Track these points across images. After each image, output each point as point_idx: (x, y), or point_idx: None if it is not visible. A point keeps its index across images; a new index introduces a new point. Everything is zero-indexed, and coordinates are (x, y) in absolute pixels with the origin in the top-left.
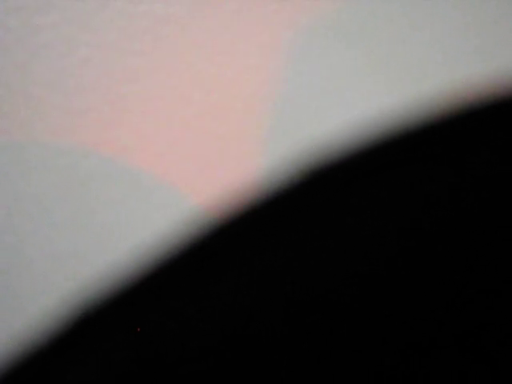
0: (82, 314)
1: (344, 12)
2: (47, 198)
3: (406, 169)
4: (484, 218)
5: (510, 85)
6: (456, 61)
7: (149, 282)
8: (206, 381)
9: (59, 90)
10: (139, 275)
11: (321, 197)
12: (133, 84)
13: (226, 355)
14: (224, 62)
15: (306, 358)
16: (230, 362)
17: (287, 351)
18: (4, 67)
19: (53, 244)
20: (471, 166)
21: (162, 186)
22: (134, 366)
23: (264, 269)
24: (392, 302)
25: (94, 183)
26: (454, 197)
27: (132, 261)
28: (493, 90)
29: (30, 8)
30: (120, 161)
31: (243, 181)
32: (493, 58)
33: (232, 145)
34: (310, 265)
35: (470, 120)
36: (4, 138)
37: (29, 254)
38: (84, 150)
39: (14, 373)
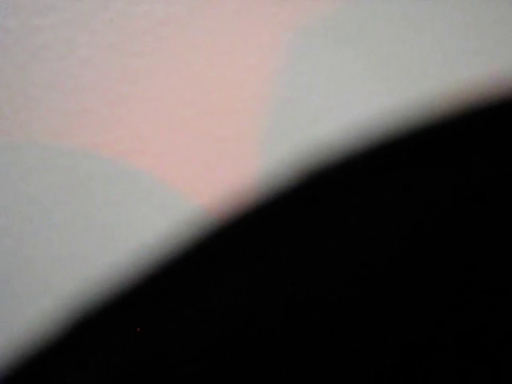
0: (82, 315)
1: (344, 12)
2: (47, 199)
3: (407, 170)
4: (485, 219)
5: (510, 85)
6: (456, 61)
7: (149, 282)
8: (206, 382)
9: (59, 91)
10: (139, 276)
11: (321, 198)
12: (133, 85)
13: (225, 356)
14: (224, 63)
15: (306, 359)
16: (229, 362)
17: (287, 352)
18: (3, 68)
19: (52, 245)
20: (472, 167)
21: (161, 187)
22: (133, 368)
23: (264, 270)
24: (392, 302)
25: (93, 184)
26: (455, 197)
27: (132, 262)
28: (493, 90)
29: (29, 9)
30: (120, 162)
31: (243, 182)
32: (493, 58)
33: (232, 146)
34: (310, 266)
35: (470, 120)
36: (3, 139)
37: (28, 255)
38: (84, 151)
39: (13, 375)
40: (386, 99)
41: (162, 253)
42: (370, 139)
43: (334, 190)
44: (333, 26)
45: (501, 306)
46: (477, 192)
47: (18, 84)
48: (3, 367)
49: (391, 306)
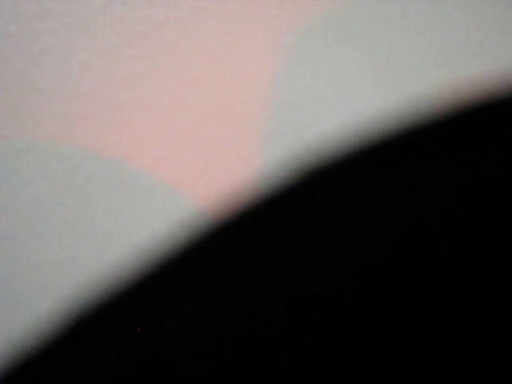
0: (81, 315)
1: (343, 13)
2: (47, 202)
3: (406, 168)
4: (485, 216)
5: (510, 85)
6: (456, 61)
7: (148, 282)
8: (205, 380)
9: (59, 96)
10: (139, 276)
11: (320, 197)
12: (132, 89)
13: (224, 354)
14: (223, 66)
15: (305, 357)
16: (228, 361)
17: (286, 350)
18: (3, 73)
19: (53, 247)
20: (471, 165)
21: (161, 189)
22: (132, 367)
23: (263, 269)
24: (394, 298)
25: (93, 188)
26: (454, 196)
27: (132, 263)
28: (493, 89)
29: (29, 14)
30: (120, 165)
31: (242, 182)
32: (493, 57)
33: (231, 146)
34: (308, 264)
35: (469, 119)
36: (4, 144)
37: (29, 257)
38: (84, 154)
39: (13, 375)
40: (386, 99)
41: (162, 253)
42: (369, 139)
43: (333, 189)
44: (332, 26)
45: (503, 302)
46: (476, 190)
47: (17, 88)
48: (3, 367)
49: (392, 303)
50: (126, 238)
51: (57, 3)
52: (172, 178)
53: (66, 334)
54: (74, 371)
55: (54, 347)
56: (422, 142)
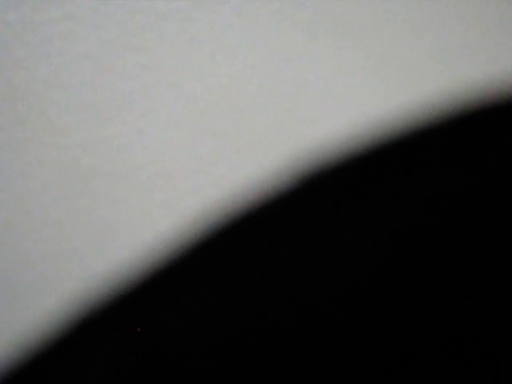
0: (83, 314)
1: (344, 12)
2: (47, 195)
3: (406, 169)
4: (483, 219)
5: (510, 85)
6: (456, 61)
7: (150, 280)
8: (208, 379)
9: (59, 86)
10: (140, 274)
11: (322, 198)
12: (134, 80)
13: (227, 353)
14: (225, 59)
15: (307, 355)
16: (230, 359)
17: (289, 348)
18: (3, 63)
19: (52, 243)
20: (472, 166)
21: (162, 184)
22: (135, 365)
23: (263, 268)
24: (395, 298)
25: (93, 181)
26: (454, 198)
27: (134, 259)
28: (493, 90)
29: (29, 3)
30: (120, 158)
31: (243, 181)
32: (494, 57)
33: (232, 145)
34: (310, 264)
35: (470, 121)
36: (2, 135)
37: (28, 252)
38: (84, 147)
39: (14, 374)
40: (386, 100)
41: (164, 250)
42: (370, 140)
43: (334, 189)
44: (333, 26)
45: (501, 305)
46: (476, 191)
47: (17, 79)
48: (5, 365)
49: (393, 302)
50: (128, 233)
51: None
52: (173, 173)
53: (68, 332)
54: (75, 370)
55: (56, 346)
56: (422, 143)
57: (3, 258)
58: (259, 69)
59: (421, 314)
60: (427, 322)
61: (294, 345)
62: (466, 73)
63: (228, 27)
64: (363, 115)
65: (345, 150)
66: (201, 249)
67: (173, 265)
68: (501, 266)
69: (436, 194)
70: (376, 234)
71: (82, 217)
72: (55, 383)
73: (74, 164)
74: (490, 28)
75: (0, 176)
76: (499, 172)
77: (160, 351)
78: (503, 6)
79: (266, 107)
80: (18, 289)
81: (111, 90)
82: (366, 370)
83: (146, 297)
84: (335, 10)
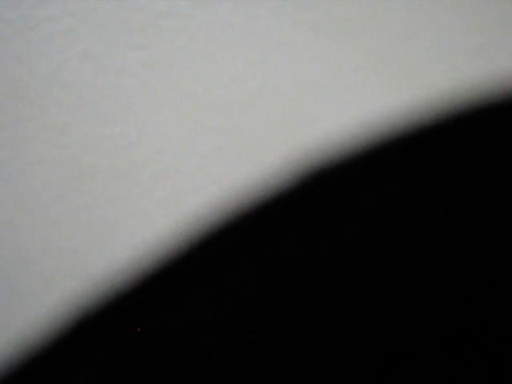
0: (82, 313)
1: (344, 11)
2: (46, 193)
3: (406, 168)
4: (484, 218)
5: (510, 85)
6: (456, 61)
7: (150, 280)
8: (207, 379)
9: (58, 84)
10: (140, 273)
11: (322, 196)
12: (134, 79)
13: (226, 353)
14: (225, 58)
15: (307, 355)
16: (230, 360)
17: (288, 349)
18: (3, 60)
19: (52, 242)
20: (472, 165)
21: (162, 183)
22: (134, 366)
23: (264, 267)
24: (393, 299)
25: (93, 179)
26: (454, 197)
27: (134, 258)
28: (493, 89)
29: (29, 1)
30: (120, 156)
31: (243, 180)
32: (494, 57)
33: (232, 144)
34: (311, 262)
35: (470, 120)
36: (2, 133)
37: (28, 251)
38: (84, 145)
39: (13, 374)
40: (387, 99)
41: (163, 250)
42: (370, 138)
43: (335, 187)
44: (334, 25)
45: (501, 305)
46: (475, 190)
47: (16, 76)
48: (4, 365)
49: (394, 300)
50: (127, 232)
51: None
52: (172, 172)
53: (67, 332)
54: (75, 369)
55: (55, 346)
56: (422, 142)
57: (2, 257)
58: (259, 68)
59: (421, 311)
60: (427, 320)
61: (294, 344)
62: (467, 72)
63: (228, 26)
64: (363, 114)
65: (345, 149)
66: (201, 248)
67: (173, 264)
68: (501, 264)
69: (436, 192)
70: (376, 232)
71: (81, 215)
72: (54, 383)
73: (73, 162)
74: (490, 28)
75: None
76: (499, 171)
77: (160, 351)
78: (503, 6)
79: (266, 106)
80: (17, 288)
81: (111, 88)
82: (365, 369)
83: (146, 297)
84: (335, 9)
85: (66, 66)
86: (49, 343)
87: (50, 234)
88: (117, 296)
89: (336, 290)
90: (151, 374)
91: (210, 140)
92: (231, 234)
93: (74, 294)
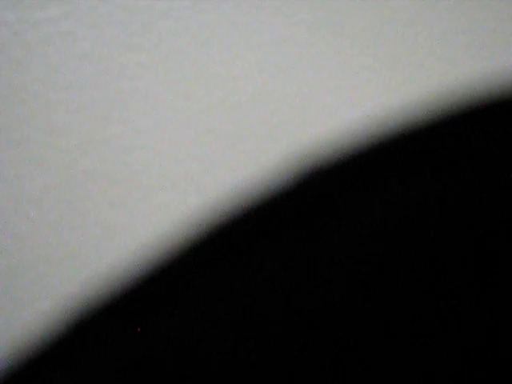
0: (82, 315)
1: (344, 11)
2: (45, 197)
3: (406, 168)
4: (484, 219)
5: (510, 85)
6: (456, 60)
7: (149, 280)
8: (208, 378)
9: (58, 86)
10: (140, 275)
11: (321, 196)
12: (133, 80)
13: (225, 354)
14: (225, 59)
15: (305, 356)
16: (229, 360)
17: (288, 349)
18: (1, 62)
19: (52, 243)
20: (470, 166)
21: (161, 185)
22: (135, 365)
23: (264, 267)
24: (393, 300)
25: (92, 182)
26: (453, 197)
27: (133, 261)
28: (493, 89)
29: (27, 2)
30: (119, 159)
31: (243, 181)
32: (494, 57)
33: (231, 144)
34: (309, 263)
35: (470, 120)
36: (1, 135)
37: (27, 254)
38: (83, 147)
39: (13, 375)
40: (386, 99)
41: (164, 250)
42: (369, 138)
43: (335, 188)
44: (334, 24)
45: (502, 302)
46: (475, 191)
47: (15, 79)
48: (3, 367)
49: (393, 301)
50: (128, 232)
51: None
52: (173, 174)
53: (67, 332)
54: (75, 370)
55: (55, 347)
56: (422, 141)
57: (2, 260)
58: (259, 69)
59: (420, 313)
60: (427, 322)
61: (295, 344)
62: (467, 71)
63: (228, 26)
64: (363, 114)
65: (345, 148)
66: (200, 249)
67: (173, 265)
68: (501, 266)
69: (438, 192)
70: (376, 232)
71: (80, 218)
72: (54, 383)
73: (72, 165)
74: (491, 27)
75: None
76: (500, 170)
77: (160, 351)
78: (503, 6)
79: (266, 106)
80: (18, 290)
81: (111, 90)
82: (366, 369)
83: (146, 297)
84: (335, 8)
85: (64, 67)
86: (48, 343)
87: (50, 236)
88: (117, 296)
89: (336, 290)
90: (151, 374)
91: (209, 141)
92: (231, 234)
93: (74, 295)
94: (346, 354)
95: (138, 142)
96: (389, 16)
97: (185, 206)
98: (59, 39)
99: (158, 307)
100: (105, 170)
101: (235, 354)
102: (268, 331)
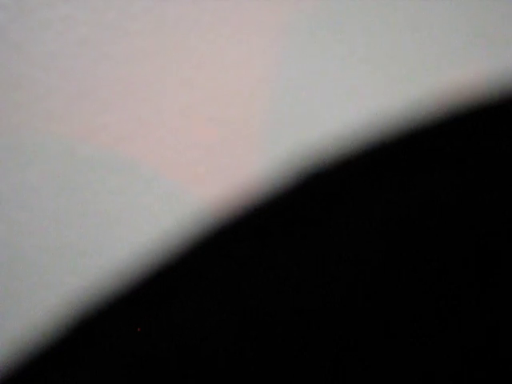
0: (81, 313)
1: (344, 10)
2: (43, 187)
3: (406, 169)
4: (482, 222)
5: (510, 85)
6: (456, 60)
7: (149, 280)
8: (208, 378)
9: (56, 71)
10: (139, 273)
11: (321, 197)
12: (133, 66)
13: (226, 354)
14: (229, 45)
15: (305, 356)
16: (230, 360)
17: (288, 349)
18: None
19: (50, 241)
20: (471, 167)
21: (161, 177)
22: (135, 365)
23: (264, 266)
24: (393, 301)
25: (90, 172)
26: (454, 199)
27: (133, 258)
28: (493, 89)
29: None
30: (118, 148)
31: (244, 179)
32: (493, 57)
33: (232, 142)
34: (310, 265)
35: (468, 120)
36: None
37: (25, 248)
38: (81, 136)
39: (13, 374)
40: (385, 99)
41: (164, 249)
42: (368, 139)
43: (332, 189)
44: (335, 24)
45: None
46: (476, 193)
47: (12, 64)
48: (3, 365)
49: (394, 302)
50: (128, 228)
51: None
52: (172, 166)
53: (67, 332)
54: (74, 370)
55: (54, 346)
56: (422, 142)
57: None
58: (259, 68)
59: (420, 314)
60: (427, 322)
61: (295, 344)
62: (467, 71)
63: (231, 13)
64: (363, 114)
65: (345, 148)
66: (201, 247)
67: (173, 264)
68: (502, 266)
69: (440, 192)
70: (378, 232)
71: (79, 209)
72: (54, 383)
73: (71, 153)
74: (491, 27)
75: None
76: (501, 170)
77: (160, 351)
78: (503, 6)
79: (267, 105)
80: (16, 288)
81: (110, 76)
82: (366, 369)
83: (146, 297)
84: (335, 8)
85: (63, 52)
86: (48, 343)
87: (48, 229)
88: (117, 296)
89: (336, 290)
90: (151, 374)
91: (211, 131)
92: (231, 233)
93: (73, 294)
94: (346, 353)
95: (138, 129)
96: (389, 16)
97: (185, 200)
98: (57, 23)
99: (158, 307)
100: (104, 158)
101: (236, 353)
102: (272, 330)
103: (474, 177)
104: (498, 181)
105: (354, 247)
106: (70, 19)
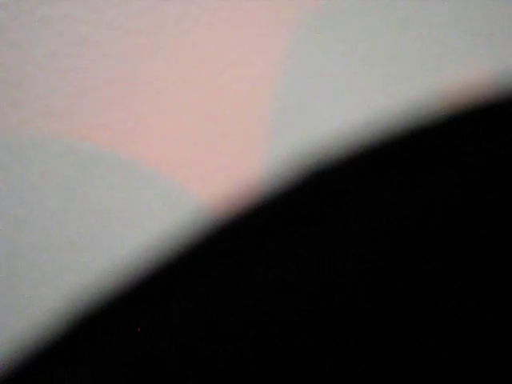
0: (82, 312)
1: (346, 12)
2: (43, 185)
3: (407, 169)
4: (482, 222)
5: (510, 85)
6: (456, 60)
7: (150, 280)
8: (208, 378)
9: (56, 70)
10: (140, 273)
11: (322, 197)
12: (133, 64)
13: (227, 353)
14: (229, 44)
15: (307, 358)
16: (230, 360)
17: (287, 350)
18: None
19: (50, 239)
20: (470, 167)
21: (161, 176)
22: (135, 365)
23: (265, 266)
24: (394, 302)
25: (90, 170)
26: (454, 198)
27: (132, 257)
28: (493, 89)
29: None
30: (118, 147)
31: (245, 179)
32: (493, 57)
33: (233, 142)
34: (312, 264)
35: (468, 120)
36: None
37: (26, 246)
38: (81, 134)
39: (13, 374)
40: (386, 99)
41: (163, 248)
42: (370, 139)
43: (334, 189)
44: (335, 25)
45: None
46: (475, 192)
47: (13, 62)
48: (3, 365)
49: (394, 302)
50: (128, 227)
51: None
52: (172, 166)
53: (67, 332)
54: (74, 370)
55: (54, 346)
56: (423, 142)
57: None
58: (260, 67)
59: (421, 314)
60: (427, 322)
61: (295, 344)
62: (467, 71)
63: (233, 12)
64: (363, 114)
65: (347, 147)
66: (201, 247)
67: (173, 263)
68: (503, 266)
69: (440, 192)
70: (378, 231)
71: (79, 206)
72: (54, 383)
73: (70, 152)
74: (491, 27)
75: None
76: (501, 170)
77: (160, 351)
78: (503, 6)
79: (268, 104)
80: (17, 285)
81: (111, 75)
82: (366, 369)
83: (146, 297)
84: (338, 8)
85: (63, 51)
86: (47, 343)
87: (48, 228)
88: (117, 296)
89: (336, 290)
90: (151, 374)
91: (212, 129)
92: (232, 232)
93: (73, 294)
94: (346, 353)
95: (139, 128)
96: (391, 16)
97: (186, 200)
98: (57, 22)
99: (158, 307)
100: (104, 157)
101: (236, 353)
102: (271, 330)
103: (474, 177)
104: (498, 181)
105: (354, 247)
106: (69, 18)
